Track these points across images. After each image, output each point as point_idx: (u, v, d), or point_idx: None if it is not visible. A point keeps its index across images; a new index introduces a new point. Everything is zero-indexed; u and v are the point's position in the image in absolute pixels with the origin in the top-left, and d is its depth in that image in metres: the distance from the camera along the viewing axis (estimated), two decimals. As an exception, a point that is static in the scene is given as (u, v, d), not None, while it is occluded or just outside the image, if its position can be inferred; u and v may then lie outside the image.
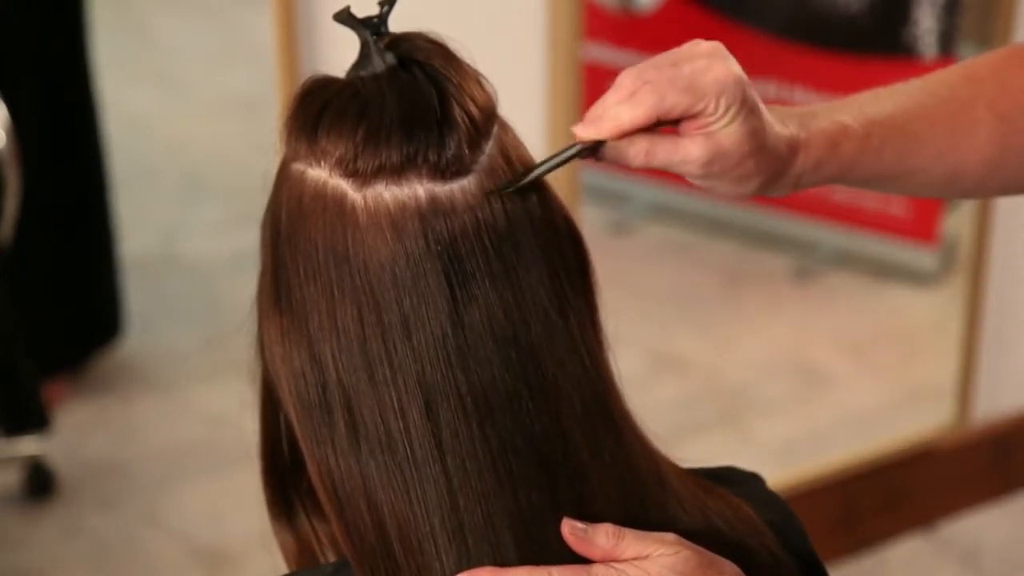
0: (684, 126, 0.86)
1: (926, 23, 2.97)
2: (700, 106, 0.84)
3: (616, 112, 0.84)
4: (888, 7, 3.03)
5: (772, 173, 0.89)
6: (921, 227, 3.10)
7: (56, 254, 2.78)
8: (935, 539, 2.54)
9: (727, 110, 0.84)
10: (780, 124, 0.89)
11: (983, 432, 2.57)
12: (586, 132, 0.84)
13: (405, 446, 0.81)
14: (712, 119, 0.84)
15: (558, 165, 0.84)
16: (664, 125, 0.86)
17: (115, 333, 2.89)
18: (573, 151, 0.85)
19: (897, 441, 2.53)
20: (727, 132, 0.85)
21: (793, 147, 0.89)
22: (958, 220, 3.07)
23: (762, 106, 0.87)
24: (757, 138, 0.86)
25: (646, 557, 0.80)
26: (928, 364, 2.87)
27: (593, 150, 0.85)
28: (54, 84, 2.67)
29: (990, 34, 2.45)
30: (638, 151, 0.85)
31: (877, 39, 3.05)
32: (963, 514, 2.58)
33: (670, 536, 0.81)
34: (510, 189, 0.81)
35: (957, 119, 0.97)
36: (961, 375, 2.53)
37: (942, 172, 0.97)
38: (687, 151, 0.85)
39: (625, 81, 0.85)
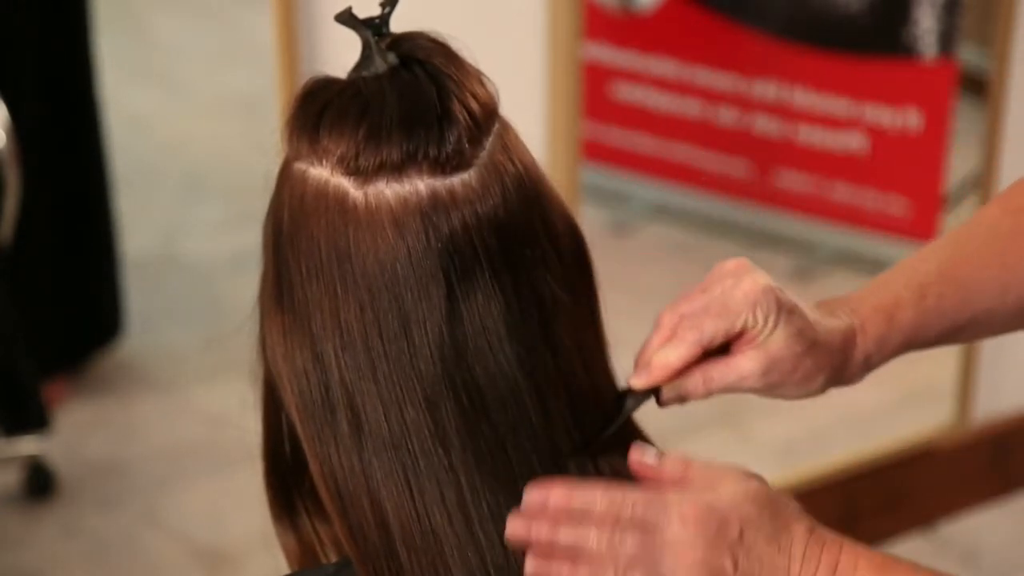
0: (733, 345, 0.88)
1: (926, 23, 2.97)
2: (739, 324, 0.86)
3: (663, 356, 0.86)
4: (888, 7, 3.03)
5: (833, 367, 0.91)
6: (921, 227, 3.10)
7: (56, 254, 2.78)
8: (935, 539, 2.54)
9: (766, 320, 0.87)
10: (830, 317, 0.91)
11: (983, 432, 2.57)
12: (641, 382, 0.87)
13: (408, 443, 0.81)
14: (755, 332, 0.87)
15: (624, 419, 0.85)
16: (713, 352, 0.88)
17: (115, 333, 2.89)
18: (632, 403, 0.86)
19: (897, 441, 2.53)
20: (774, 339, 0.87)
21: (849, 336, 0.91)
22: (958, 220, 3.06)
23: (803, 306, 0.89)
24: (805, 337, 0.88)
25: (714, 488, 0.81)
26: (928, 364, 2.85)
27: (651, 394, 0.87)
28: (56, 83, 2.66)
29: (990, 34, 2.45)
30: (695, 384, 0.88)
31: (877, 39, 3.05)
32: (963, 514, 2.58)
33: (737, 467, 0.83)
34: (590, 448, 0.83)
35: (1008, 252, 0.97)
36: (961, 375, 2.53)
37: (1012, 305, 0.97)
38: (741, 368, 0.87)
39: (663, 320, 0.88)
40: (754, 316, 0.86)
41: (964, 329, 0.97)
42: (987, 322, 0.98)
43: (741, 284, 0.87)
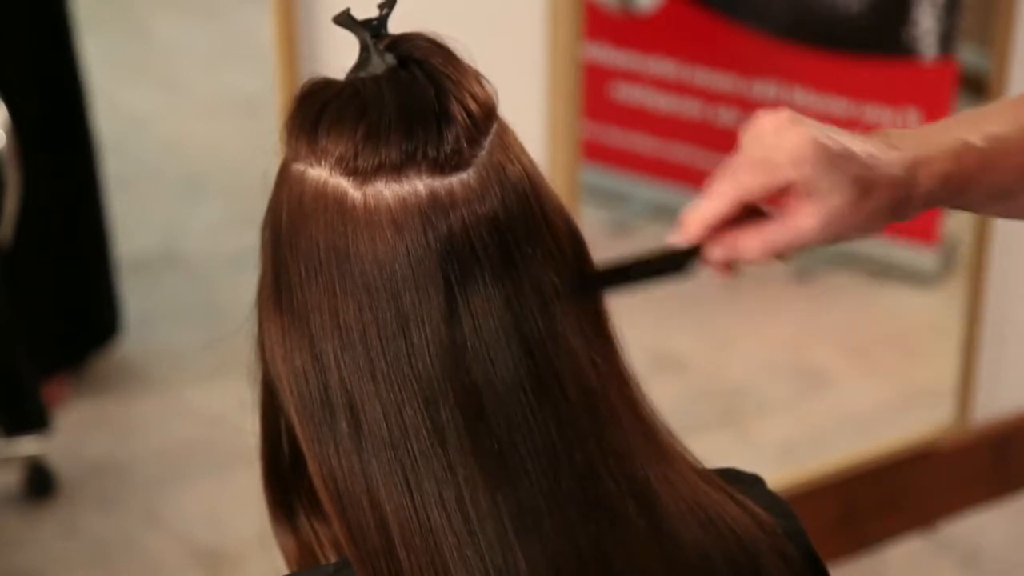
0: (785, 202, 0.84)
1: (926, 23, 2.97)
2: (780, 179, 0.83)
3: (699, 211, 0.83)
4: (888, 7, 3.03)
5: (895, 201, 0.86)
6: (921, 227, 3.10)
7: (50, 254, 2.78)
8: (935, 539, 2.54)
9: (814, 172, 0.83)
10: (889, 148, 0.86)
11: (983, 432, 2.57)
12: (679, 239, 0.84)
13: (407, 443, 0.81)
14: (807, 187, 0.83)
15: (655, 274, 0.83)
16: (759, 210, 0.85)
17: (113, 333, 2.89)
18: (672, 264, 0.83)
19: (897, 441, 2.53)
20: (828, 190, 0.83)
21: (912, 168, 0.87)
22: (958, 220, 3.07)
23: (857, 144, 0.85)
24: (862, 182, 0.84)
25: None
26: (928, 364, 2.87)
27: (693, 255, 0.84)
28: (44, 84, 2.65)
29: (990, 34, 2.45)
30: (751, 246, 0.84)
31: (877, 39, 3.05)
32: (963, 514, 2.58)
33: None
34: (595, 284, 0.81)
35: None
36: (961, 375, 2.53)
37: None
38: (798, 225, 0.84)
39: (712, 182, 0.85)
40: (798, 170, 0.82)
41: (1017, 195, 0.92)
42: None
43: (783, 137, 0.83)
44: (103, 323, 2.88)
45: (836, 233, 0.85)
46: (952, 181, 0.88)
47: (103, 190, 2.83)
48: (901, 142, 0.87)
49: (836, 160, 0.83)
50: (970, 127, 0.90)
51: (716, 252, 0.84)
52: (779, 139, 0.83)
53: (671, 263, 0.84)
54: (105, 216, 2.84)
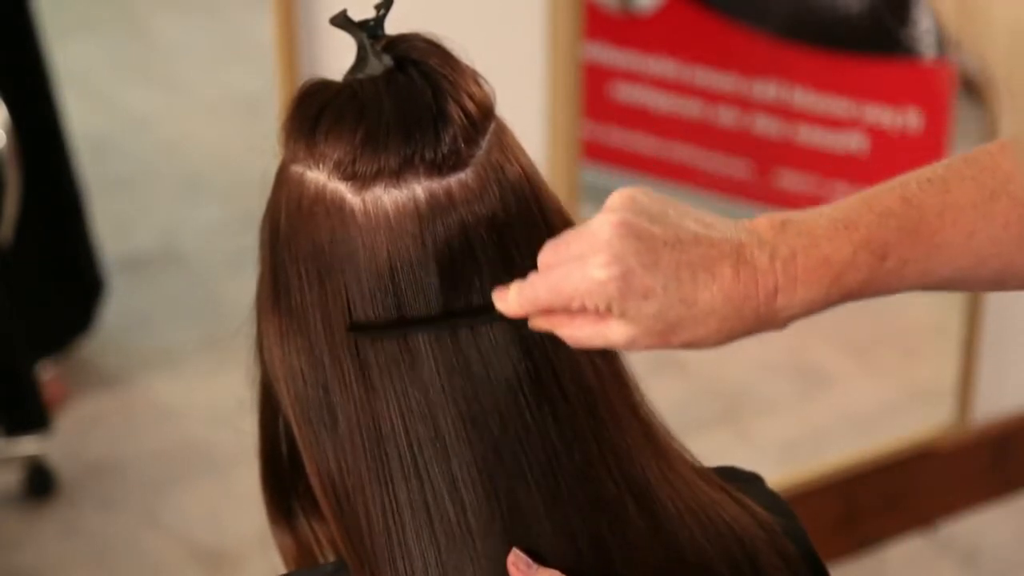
0: None
1: (926, 23, 2.97)
2: (575, 305, 0.78)
3: (513, 294, 0.79)
4: (888, 7, 3.03)
5: (725, 333, 0.80)
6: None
7: (36, 256, 2.76)
8: (935, 539, 2.54)
9: (606, 308, 0.78)
10: (731, 278, 0.78)
11: (983, 432, 2.57)
12: (498, 300, 0.80)
13: (404, 445, 0.81)
14: (601, 312, 0.78)
15: (467, 319, 0.80)
16: None
17: (86, 328, 2.88)
18: (491, 316, 0.80)
19: (897, 441, 2.53)
20: (631, 318, 0.78)
21: (749, 306, 0.79)
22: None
23: (690, 268, 0.77)
24: (673, 312, 0.77)
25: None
26: (928, 364, 2.87)
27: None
28: (11, 91, 2.64)
29: (990, 34, 2.45)
30: (565, 335, 0.80)
31: (877, 39, 3.05)
32: (963, 514, 2.58)
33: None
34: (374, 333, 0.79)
35: (1000, 219, 0.82)
36: (961, 375, 2.53)
37: (985, 278, 0.84)
38: (608, 335, 0.79)
39: (540, 257, 0.80)
40: (590, 303, 0.77)
41: (924, 288, 0.85)
42: (950, 287, 0.85)
43: (582, 267, 0.77)
44: (80, 321, 2.87)
45: (650, 345, 0.79)
46: (822, 301, 0.81)
47: (80, 194, 2.81)
48: (773, 251, 0.79)
49: (631, 298, 0.77)
50: (868, 231, 0.80)
51: (537, 323, 0.80)
52: (579, 264, 0.77)
53: (495, 319, 0.81)
54: (82, 215, 2.82)
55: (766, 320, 0.80)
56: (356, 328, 0.80)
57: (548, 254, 0.79)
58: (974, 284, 0.85)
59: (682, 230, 0.79)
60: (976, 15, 0.64)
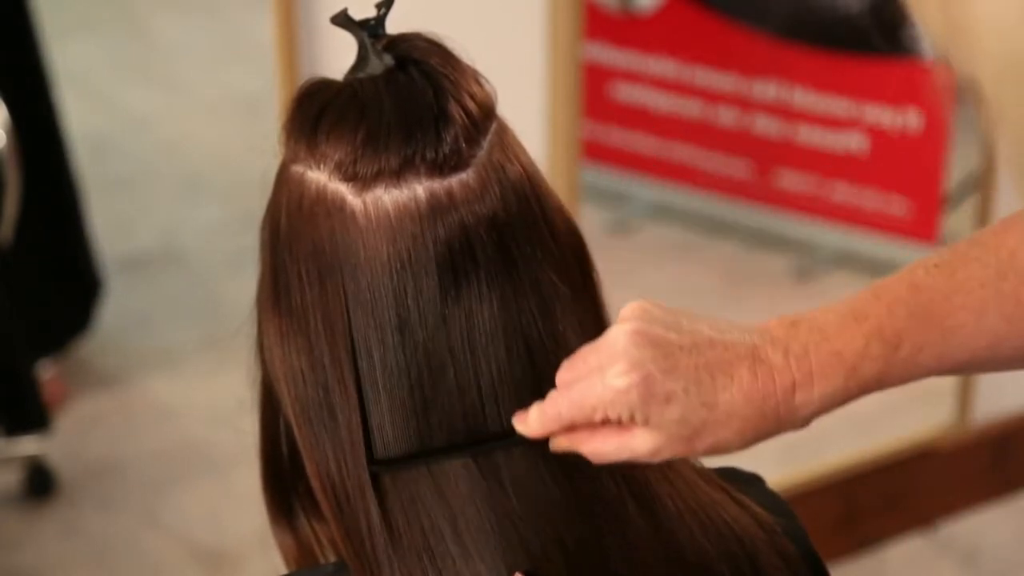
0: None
1: (926, 23, 2.97)
2: (597, 417, 0.79)
3: (533, 417, 0.80)
4: (888, 7, 3.03)
5: (751, 434, 0.80)
6: (921, 227, 3.10)
7: (36, 256, 2.76)
8: (935, 539, 2.54)
9: (630, 418, 0.78)
10: (749, 379, 0.79)
11: (983, 432, 2.57)
12: (518, 423, 0.80)
13: (403, 446, 0.81)
14: (624, 423, 0.79)
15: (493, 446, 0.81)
16: None
17: (85, 328, 2.88)
18: (514, 439, 0.81)
19: (897, 441, 2.53)
20: (654, 425, 0.78)
21: (769, 406, 0.79)
22: (958, 220, 3.07)
23: (708, 370, 0.78)
24: (696, 416, 0.78)
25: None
26: (928, 364, 2.86)
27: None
28: (10, 92, 2.64)
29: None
30: (588, 452, 0.80)
31: (877, 39, 3.05)
32: (963, 514, 2.58)
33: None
34: None
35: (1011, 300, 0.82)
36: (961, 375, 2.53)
37: (1004, 358, 0.84)
38: (634, 447, 0.79)
39: (558, 376, 0.80)
40: (612, 414, 0.78)
41: (946, 373, 0.86)
42: (969, 370, 0.86)
43: (603, 378, 0.78)
44: (78, 322, 2.86)
45: (676, 453, 0.80)
46: (841, 396, 0.82)
47: (78, 195, 2.81)
48: (787, 348, 0.80)
49: (654, 403, 0.77)
50: (880, 321, 0.81)
51: (560, 442, 0.81)
52: (599, 376, 0.78)
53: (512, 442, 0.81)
54: (80, 215, 2.82)
55: (787, 419, 0.81)
56: (380, 463, 0.80)
57: (565, 372, 0.80)
58: (996, 365, 0.86)
59: (697, 335, 0.80)
60: (964, 39, 0.64)
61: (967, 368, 0.85)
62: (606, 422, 0.79)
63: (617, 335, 0.79)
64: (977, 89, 0.65)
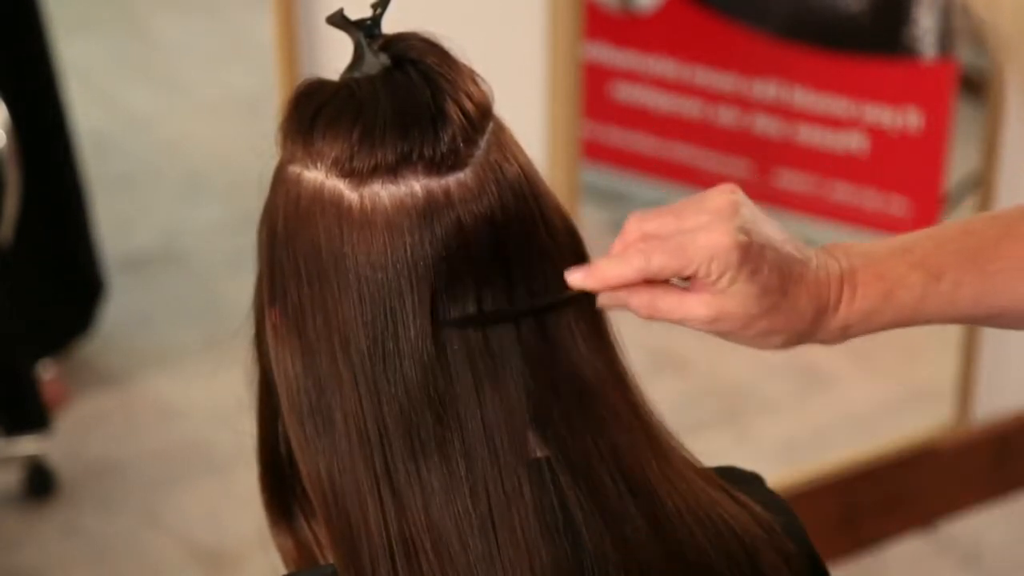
0: (692, 283, 0.83)
1: (926, 23, 2.97)
2: (690, 269, 0.81)
3: (603, 269, 0.82)
4: (888, 7, 3.03)
5: (797, 332, 0.85)
6: (921, 227, 3.09)
7: (38, 254, 2.76)
8: (935, 539, 2.54)
9: (721, 275, 0.81)
10: (828, 257, 0.85)
11: (983, 432, 2.57)
12: (574, 279, 0.82)
13: (399, 449, 0.81)
14: (710, 281, 0.81)
15: (550, 307, 0.82)
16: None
17: (86, 328, 2.88)
18: (565, 296, 0.82)
19: (897, 441, 2.53)
20: (732, 293, 0.82)
21: (822, 308, 0.84)
22: (957, 218, 3.06)
23: (782, 252, 0.83)
24: (768, 298, 0.82)
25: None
26: (928, 364, 2.87)
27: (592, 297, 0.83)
28: (18, 87, 2.64)
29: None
30: (640, 303, 0.83)
31: (877, 39, 3.05)
32: (963, 514, 2.58)
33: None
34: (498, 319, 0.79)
35: None
36: (961, 375, 2.53)
37: None
38: (690, 309, 0.83)
39: (628, 227, 0.83)
40: (708, 268, 0.81)
41: (975, 320, 0.89)
42: (1004, 319, 0.88)
43: (710, 231, 0.81)
44: (83, 310, 2.86)
45: (723, 331, 0.83)
46: (876, 319, 0.86)
47: (83, 193, 2.81)
48: (835, 261, 0.85)
49: (747, 270, 0.81)
50: (924, 252, 0.87)
51: (604, 298, 0.83)
52: (708, 227, 0.81)
53: (568, 301, 0.83)
54: (85, 214, 2.82)
55: (826, 328, 0.85)
56: (445, 323, 0.80)
57: (652, 222, 0.82)
58: None
59: (772, 231, 0.84)
60: None
61: (1000, 317, 0.88)
62: (691, 278, 0.82)
63: (723, 200, 0.82)
64: (994, 29, 0.69)
